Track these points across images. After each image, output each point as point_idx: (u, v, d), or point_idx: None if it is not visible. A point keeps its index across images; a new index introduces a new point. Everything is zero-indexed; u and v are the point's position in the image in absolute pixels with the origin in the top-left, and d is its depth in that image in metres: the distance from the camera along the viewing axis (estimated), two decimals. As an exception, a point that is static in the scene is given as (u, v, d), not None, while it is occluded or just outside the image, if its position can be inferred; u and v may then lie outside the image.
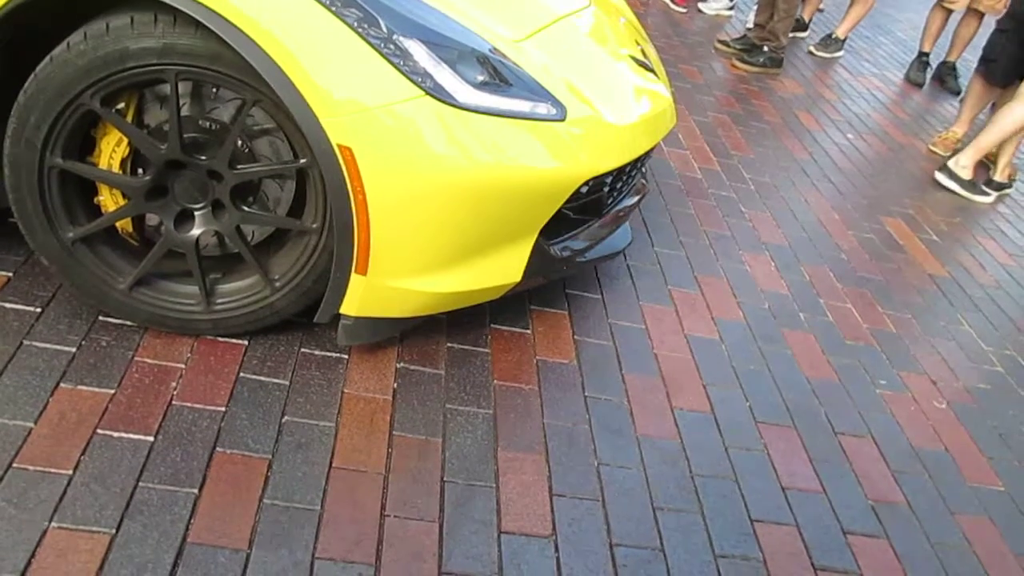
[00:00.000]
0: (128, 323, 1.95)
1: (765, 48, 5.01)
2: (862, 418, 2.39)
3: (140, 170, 1.84)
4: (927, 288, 3.23)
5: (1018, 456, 2.47)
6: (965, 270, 3.48)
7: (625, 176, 2.27)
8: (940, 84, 6.06)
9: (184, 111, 1.78)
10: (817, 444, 2.23)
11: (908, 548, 2.01)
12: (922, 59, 6.00)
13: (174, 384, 1.85)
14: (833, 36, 5.86)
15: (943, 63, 6.11)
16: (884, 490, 2.16)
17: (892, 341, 2.80)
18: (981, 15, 5.75)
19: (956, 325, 3.05)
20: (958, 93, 5.94)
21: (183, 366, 1.90)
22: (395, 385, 2.00)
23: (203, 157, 1.79)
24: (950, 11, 5.81)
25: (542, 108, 1.83)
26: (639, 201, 2.48)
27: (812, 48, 5.85)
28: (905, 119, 5.13)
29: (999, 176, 4.38)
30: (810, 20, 6.14)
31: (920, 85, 5.90)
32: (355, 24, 1.63)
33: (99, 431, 1.70)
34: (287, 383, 1.92)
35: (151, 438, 1.72)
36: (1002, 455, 2.45)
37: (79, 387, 1.78)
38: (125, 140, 1.79)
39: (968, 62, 6.35)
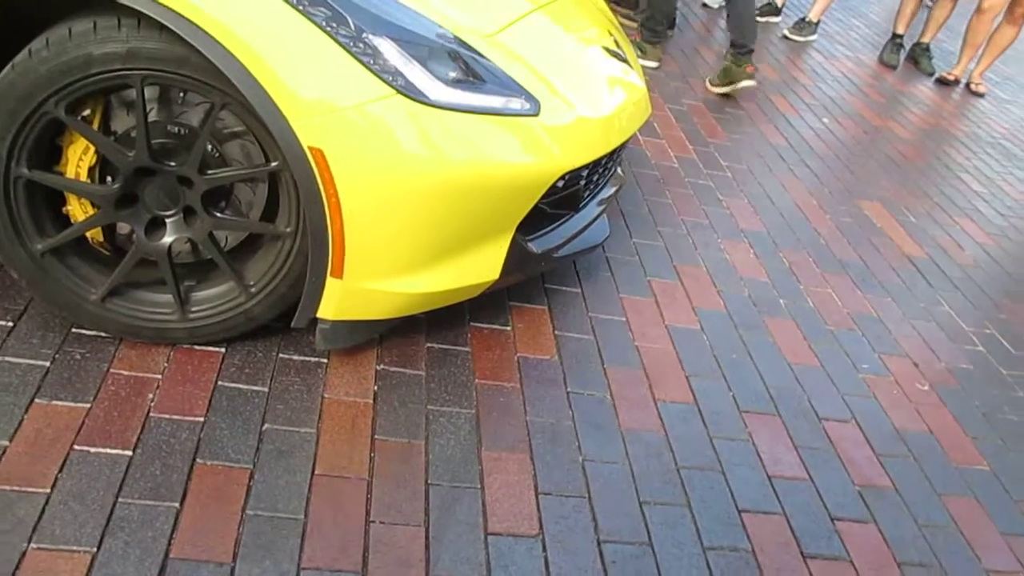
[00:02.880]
0: (102, 335, 1.92)
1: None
2: (845, 403, 2.39)
3: (109, 178, 1.80)
4: (906, 270, 3.24)
5: (1002, 435, 2.48)
6: (943, 250, 3.49)
7: (601, 168, 2.25)
8: (914, 65, 6.08)
9: (152, 116, 1.75)
10: (801, 431, 2.23)
11: (896, 531, 2.02)
12: (896, 41, 6.01)
13: (151, 395, 1.82)
14: (806, 19, 5.86)
15: (916, 44, 6.13)
16: (870, 474, 2.16)
17: (873, 324, 2.81)
18: (954, -3, 5.79)
19: (936, 306, 3.06)
20: (932, 74, 5.97)
21: (160, 377, 1.87)
22: (376, 388, 1.97)
23: (172, 163, 1.75)
24: (923, -8, 5.83)
25: (515, 103, 1.81)
26: (616, 192, 2.47)
27: (786, 32, 5.85)
28: (880, 101, 5.14)
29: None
30: (783, 4, 6.14)
31: (894, 67, 5.91)
32: (323, 23, 1.61)
33: (76, 447, 1.67)
34: (266, 390, 1.90)
35: (129, 452, 1.69)
36: (986, 434, 2.46)
37: (54, 402, 1.75)
38: (92, 148, 1.75)
39: (942, 43, 6.39)
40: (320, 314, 1.86)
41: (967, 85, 5.98)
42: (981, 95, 5.91)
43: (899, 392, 2.52)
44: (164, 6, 1.54)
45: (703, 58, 4.92)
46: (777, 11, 6.12)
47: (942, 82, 5.85)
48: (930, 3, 6.19)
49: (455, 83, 1.72)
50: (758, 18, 6.01)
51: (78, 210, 1.83)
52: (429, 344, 2.14)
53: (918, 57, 6.09)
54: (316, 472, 1.74)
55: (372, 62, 1.63)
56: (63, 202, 1.83)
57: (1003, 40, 5.89)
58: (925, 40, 6.11)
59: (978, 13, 5.74)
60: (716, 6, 5.90)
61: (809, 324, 2.69)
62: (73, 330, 1.92)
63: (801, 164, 3.89)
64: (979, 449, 2.39)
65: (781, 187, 3.60)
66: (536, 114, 1.84)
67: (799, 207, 3.46)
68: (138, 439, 1.72)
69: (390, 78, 1.64)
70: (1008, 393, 2.69)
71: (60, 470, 1.62)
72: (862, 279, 3.07)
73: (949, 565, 1.97)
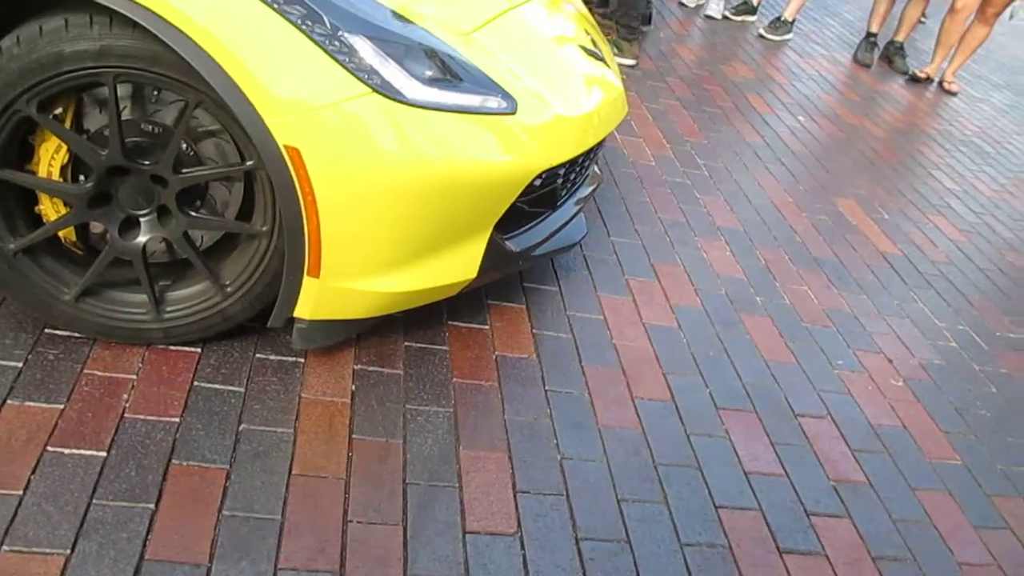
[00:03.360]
0: (76, 335, 1.90)
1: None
2: (821, 399, 2.41)
3: (81, 177, 1.79)
4: (881, 267, 3.27)
5: (974, 430, 2.51)
6: (917, 248, 3.53)
7: (579, 167, 2.26)
8: (888, 64, 6.14)
9: (125, 115, 1.73)
10: (778, 427, 2.25)
11: (871, 526, 2.04)
12: (870, 40, 6.07)
13: (126, 396, 1.80)
14: (782, 19, 5.90)
15: (890, 43, 6.19)
16: (845, 470, 2.19)
17: (848, 321, 2.83)
18: (926, -4, 5.85)
19: (910, 303, 3.09)
20: (906, 73, 6.03)
21: (135, 377, 1.85)
22: (353, 387, 1.97)
23: (146, 162, 1.74)
24: (897, -8, 5.89)
25: (492, 102, 1.81)
26: (594, 191, 2.48)
27: (762, 31, 5.89)
28: (855, 100, 5.19)
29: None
30: (758, 3, 6.18)
31: (868, 66, 5.97)
32: (298, 21, 1.60)
33: (49, 448, 1.66)
34: (243, 390, 1.88)
35: (104, 453, 1.67)
36: (959, 429, 2.49)
37: (27, 403, 1.73)
38: (64, 146, 1.73)
39: (916, 42, 6.46)
40: (297, 313, 1.85)
41: (940, 84, 6.04)
42: (954, 93, 5.98)
43: (874, 388, 2.54)
44: (136, 3, 1.53)
45: (680, 57, 4.95)
46: (752, 10, 6.16)
47: (915, 79, 5.90)
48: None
49: (432, 81, 1.72)
50: (734, 17, 6.06)
51: (50, 209, 1.81)
52: (407, 343, 2.13)
53: (892, 56, 6.15)
54: (293, 472, 1.73)
55: (348, 60, 1.62)
56: (35, 201, 1.81)
57: (975, 39, 5.96)
58: (899, 39, 6.17)
59: (951, 13, 5.81)
60: (693, 5, 5.93)
61: (785, 321, 2.71)
62: (46, 330, 1.90)
63: (777, 162, 3.92)
64: (952, 444, 2.42)
65: (757, 185, 3.62)
66: (513, 112, 1.84)
67: (775, 205, 3.49)
68: (113, 440, 1.70)
69: (366, 76, 1.63)
70: (980, 388, 2.72)
71: (33, 472, 1.60)
72: (837, 276, 3.09)
73: (923, 559, 1.99)
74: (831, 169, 4.04)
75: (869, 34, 6.08)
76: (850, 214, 3.63)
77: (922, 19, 6.49)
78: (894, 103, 5.38)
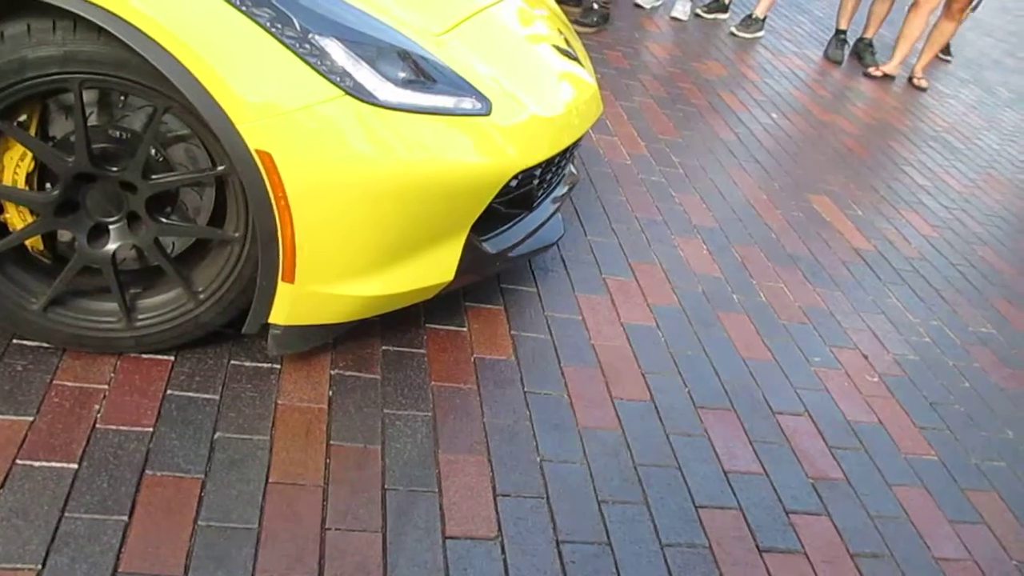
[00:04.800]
0: (45, 345, 1.87)
1: (595, 6, 5.02)
2: (798, 396, 2.42)
3: (48, 184, 1.75)
4: (855, 263, 3.29)
5: (949, 424, 2.53)
6: (890, 243, 3.56)
7: (555, 167, 2.25)
8: (858, 61, 6.19)
9: (91, 120, 1.70)
10: (756, 425, 2.25)
11: (849, 523, 2.05)
12: (840, 37, 6.11)
13: (97, 407, 1.77)
14: (753, 16, 5.93)
15: (860, 40, 6.24)
16: (823, 467, 2.19)
17: (824, 318, 2.85)
18: (894, -7, 5.89)
19: (884, 298, 3.11)
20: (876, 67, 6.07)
21: (106, 387, 1.82)
22: (330, 393, 1.95)
23: (115, 168, 1.71)
24: (864, -12, 5.94)
25: (466, 103, 1.79)
26: (570, 191, 2.47)
27: (733, 29, 5.91)
28: (826, 97, 5.22)
29: None
30: (730, 1, 6.20)
31: (839, 62, 6.01)
32: (268, 24, 1.57)
33: (19, 461, 1.62)
34: (217, 398, 1.86)
35: (75, 465, 1.64)
36: (934, 424, 2.51)
37: (-5, 416, 1.70)
38: (30, 154, 1.70)
39: (884, 37, 6.51)
40: (272, 319, 1.83)
41: (910, 79, 6.10)
42: (923, 89, 6.04)
43: (850, 384, 2.55)
44: (99, 7, 1.49)
45: (654, 55, 4.95)
46: (724, 8, 6.18)
47: (868, 76, 5.93)
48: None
49: (405, 83, 1.70)
50: (706, 15, 6.08)
51: (16, 218, 1.77)
52: (384, 347, 2.11)
53: (862, 52, 6.20)
54: (270, 480, 1.71)
55: (319, 63, 1.60)
56: (0, 210, 1.78)
57: (942, 35, 6.02)
58: (868, 36, 6.22)
59: (914, 8, 5.86)
60: (648, 7, 5.90)
61: (762, 318, 2.72)
62: (14, 341, 1.87)
63: (751, 159, 3.94)
64: (927, 439, 2.44)
65: (732, 182, 3.63)
66: (488, 114, 1.83)
67: (750, 202, 3.50)
68: (84, 452, 1.67)
69: (338, 79, 1.61)
70: (955, 383, 2.74)
71: (2, 486, 1.57)
72: (812, 272, 3.11)
73: (900, 555, 2.01)
74: (804, 166, 4.06)
75: (838, 31, 6.13)
76: (824, 210, 3.65)
77: (944, 56, 6.65)
78: (865, 99, 5.42)
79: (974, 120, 5.79)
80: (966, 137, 5.34)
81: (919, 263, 3.47)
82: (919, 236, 3.72)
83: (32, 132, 1.68)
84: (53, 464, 1.64)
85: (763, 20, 5.95)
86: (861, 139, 4.68)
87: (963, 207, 4.22)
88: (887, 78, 5.98)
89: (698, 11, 6.08)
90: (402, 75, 1.70)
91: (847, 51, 6.18)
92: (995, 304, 3.36)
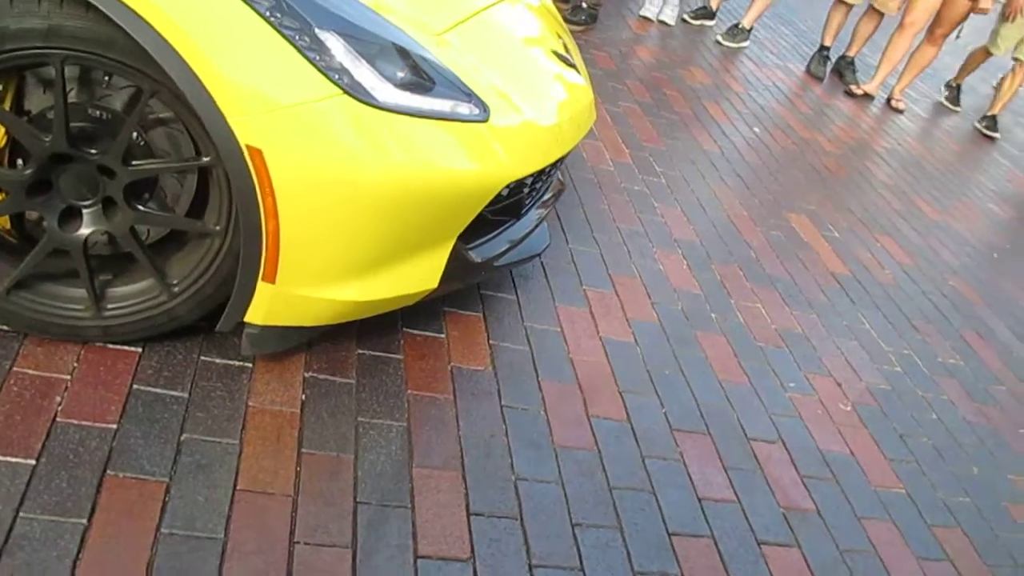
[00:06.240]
0: (4, 328, 1.77)
1: (583, 5, 4.99)
2: (772, 422, 2.41)
3: (19, 161, 1.66)
4: (830, 286, 3.29)
5: (917, 458, 2.54)
6: (865, 268, 3.57)
7: (545, 175, 2.20)
8: (839, 78, 6.22)
9: (71, 98, 1.61)
10: (730, 451, 2.23)
11: (818, 556, 2.04)
12: (823, 53, 6.14)
13: (58, 398, 1.69)
14: (739, 26, 5.92)
15: (842, 57, 6.27)
16: (795, 497, 2.18)
17: (799, 342, 2.84)
18: (881, 14, 5.92)
19: (858, 324, 3.12)
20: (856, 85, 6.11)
21: (68, 378, 1.73)
22: (303, 397, 1.88)
23: (93, 151, 1.62)
24: (851, 7, 5.96)
25: (464, 108, 1.73)
26: (556, 199, 2.42)
27: (719, 38, 5.90)
28: (807, 113, 5.24)
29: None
30: (717, 9, 6.19)
31: (820, 78, 6.03)
32: (267, 13, 1.50)
33: (-29, 453, 1.54)
34: (186, 396, 1.78)
35: (32, 461, 1.56)
36: (903, 456, 2.52)
37: (-52, 402, 1.61)
38: (2, 128, 1.60)
39: (866, 57, 6.55)
40: (248, 319, 1.75)
41: (888, 101, 6.14)
42: (900, 111, 6.09)
43: (823, 412, 2.55)
44: (91, -19, 1.41)
45: (640, 58, 4.92)
46: (711, 15, 6.17)
47: (849, 94, 5.96)
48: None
49: (403, 84, 1.63)
50: (692, 21, 6.06)
51: (-17, 194, 1.68)
52: (360, 350, 2.05)
53: (843, 70, 6.23)
54: (238, 487, 1.64)
55: (318, 58, 1.53)
56: (-34, 184, 1.68)
57: (923, 59, 6.08)
58: (850, 54, 6.25)
59: (900, 28, 5.90)
60: (654, 19, 5.84)
61: (739, 340, 2.70)
62: (-28, 322, 1.77)
63: (733, 173, 3.92)
64: (896, 472, 2.45)
65: (714, 196, 3.61)
66: (485, 120, 1.77)
67: (731, 218, 3.48)
68: (43, 447, 1.59)
69: (336, 76, 1.54)
70: (923, 415, 2.76)
71: (-47, 479, 1.49)
72: (789, 295, 3.10)
73: (869, 591, 2.00)
74: (784, 183, 4.06)
75: (822, 47, 6.15)
76: (802, 230, 3.65)
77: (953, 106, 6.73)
78: (844, 118, 5.44)
79: (949, 146, 5.86)
80: (941, 162, 5.40)
81: (893, 290, 3.49)
82: (893, 262, 3.74)
83: (7, 106, 1.58)
84: (9, 459, 1.55)
85: (749, 31, 5.95)
86: (840, 159, 4.70)
87: (936, 234, 4.26)
88: (867, 97, 6.01)
89: (685, 16, 6.05)
90: (401, 75, 1.64)
91: (829, 67, 6.20)
92: (964, 335, 3.38)
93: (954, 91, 6.92)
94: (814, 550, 2.05)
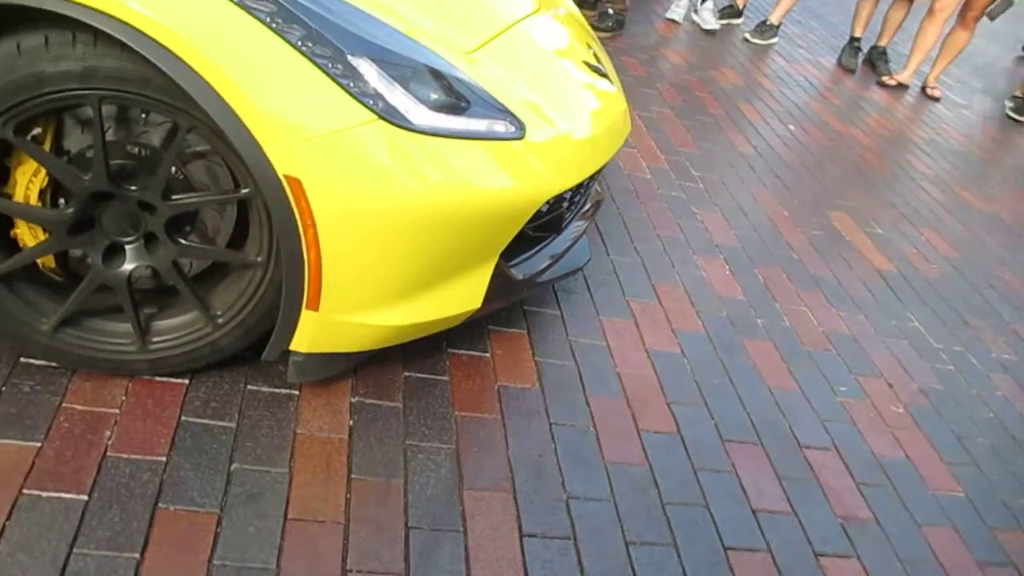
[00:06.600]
0: (53, 365, 1.79)
1: (610, 11, 4.94)
2: (825, 429, 2.36)
3: (62, 201, 1.67)
4: (876, 284, 3.23)
5: (975, 459, 2.47)
6: (910, 264, 3.49)
7: (584, 188, 2.18)
8: (872, 69, 6.11)
9: (109, 135, 1.62)
10: (783, 460, 2.19)
11: (878, 566, 1.99)
12: (854, 44, 6.04)
13: (108, 433, 1.69)
14: (767, 22, 5.85)
15: (874, 47, 6.17)
16: (851, 505, 2.13)
17: (847, 343, 2.78)
18: (910, 0, 5.82)
19: (906, 322, 3.05)
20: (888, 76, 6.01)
21: (117, 412, 1.74)
22: (351, 422, 1.87)
23: (133, 187, 1.63)
24: (881, -4, 5.87)
25: (500, 126, 1.72)
26: (596, 211, 2.39)
27: (747, 35, 5.83)
28: (841, 107, 5.15)
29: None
30: (744, 6, 6.12)
31: (852, 70, 5.94)
32: (298, 43, 1.49)
33: (25, 491, 1.55)
34: (234, 426, 1.78)
35: (85, 496, 1.57)
36: (960, 459, 2.45)
37: (1, 441, 1.62)
38: (44, 169, 1.62)
39: (898, 46, 6.44)
40: (294, 347, 1.75)
41: (923, 89, 6.03)
42: (937, 99, 5.97)
43: (876, 415, 2.49)
44: (124, 23, 1.41)
45: (669, 61, 4.87)
46: (739, 13, 6.10)
47: (881, 85, 5.86)
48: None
49: (438, 106, 1.62)
50: (720, 20, 6.00)
51: (27, 234, 1.69)
52: (406, 373, 2.04)
53: (875, 60, 6.13)
54: (289, 516, 1.64)
55: (352, 85, 1.52)
56: (11, 224, 1.70)
57: (956, 44, 5.95)
58: (882, 44, 6.15)
59: (930, 15, 5.79)
60: (680, 21, 5.80)
61: (786, 345, 2.65)
62: (21, 360, 1.79)
63: (770, 174, 3.86)
64: (954, 475, 2.38)
65: (752, 198, 3.56)
66: (521, 137, 1.75)
67: (771, 220, 3.43)
68: (94, 482, 1.60)
69: (371, 102, 1.53)
70: (979, 414, 2.68)
71: (8, 517, 1.50)
72: (835, 295, 3.04)
73: (934, 601, 1.95)
74: (823, 180, 3.99)
75: (853, 38, 6.05)
76: (844, 228, 3.58)
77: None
78: (879, 109, 5.35)
79: (988, 131, 5.73)
80: (983, 150, 5.28)
81: (940, 285, 3.41)
82: (939, 256, 3.66)
83: (47, 147, 1.60)
84: (62, 495, 1.56)
85: (777, 27, 5.87)
86: (878, 152, 4.61)
87: (983, 225, 4.16)
88: (900, 87, 5.91)
89: (712, 19, 5.99)
90: (435, 96, 1.63)
91: (861, 59, 6.10)
92: (1017, 329, 3.30)
93: (1019, 101, 6.58)
94: (874, 560, 2.00)
